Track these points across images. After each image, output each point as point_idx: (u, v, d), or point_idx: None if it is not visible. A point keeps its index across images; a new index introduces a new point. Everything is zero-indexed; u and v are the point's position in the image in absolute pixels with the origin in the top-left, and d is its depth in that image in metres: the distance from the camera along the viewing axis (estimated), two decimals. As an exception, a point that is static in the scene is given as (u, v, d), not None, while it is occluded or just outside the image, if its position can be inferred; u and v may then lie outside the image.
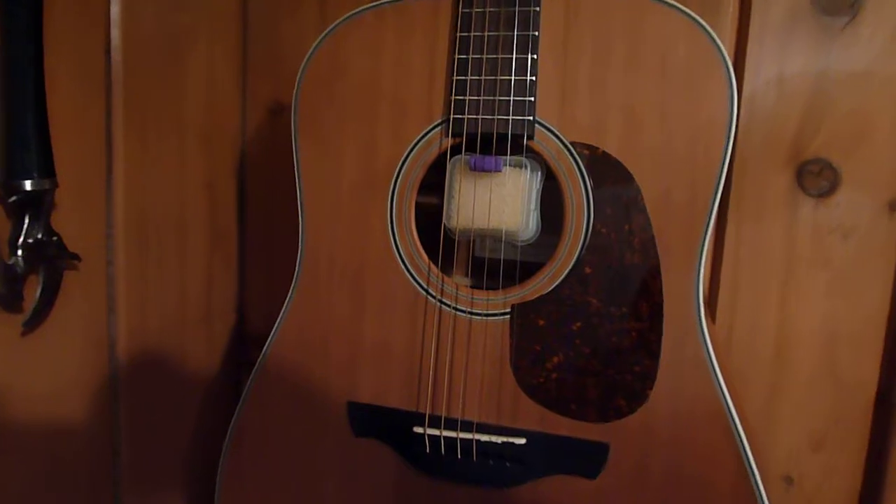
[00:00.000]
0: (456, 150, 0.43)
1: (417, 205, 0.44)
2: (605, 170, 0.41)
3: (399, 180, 0.44)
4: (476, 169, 0.42)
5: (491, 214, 0.43)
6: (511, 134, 0.41)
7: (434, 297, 0.43)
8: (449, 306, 0.43)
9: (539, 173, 0.43)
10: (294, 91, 0.44)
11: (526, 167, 0.42)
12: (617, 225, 0.40)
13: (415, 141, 0.44)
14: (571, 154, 0.41)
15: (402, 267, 0.44)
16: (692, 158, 0.39)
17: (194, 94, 0.52)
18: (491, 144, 0.42)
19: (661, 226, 0.40)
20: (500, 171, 0.42)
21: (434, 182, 0.45)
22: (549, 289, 0.42)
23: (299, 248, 0.45)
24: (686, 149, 0.39)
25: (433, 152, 0.43)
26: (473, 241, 0.46)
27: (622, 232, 0.40)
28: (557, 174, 0.42)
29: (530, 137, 0.41)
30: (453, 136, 0.42)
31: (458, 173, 0.43)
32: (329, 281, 0.45)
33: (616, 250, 0.40)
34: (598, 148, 0.40)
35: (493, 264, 0.44)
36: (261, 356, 0.45)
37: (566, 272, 0.42)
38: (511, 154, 0.42)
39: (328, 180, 0.45)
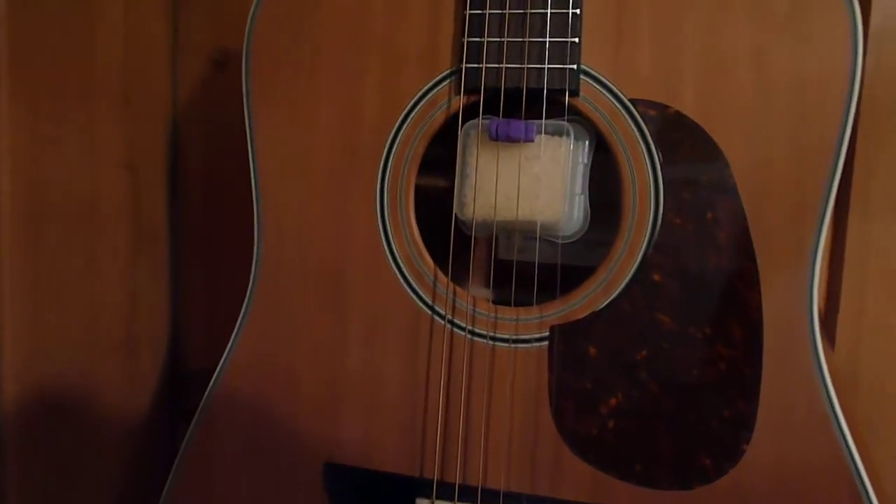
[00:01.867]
0: (471, 112, 0.44)
1: (418, 189, 0.46)
2: (679, 137, 0.41)
3: (392, 156, 0.45)
4: (499, 138, 0.43)
5: (521, 201, 0.44)
6: (547, 89, 0.42)
7: (442, 315, 0.45)
8: (463, 329, 0.44)
9: (586, 143, 0.44)
10: (246, 34, 0.46)
11: (568, 135, 0.43)
12: (697, 214, 0.41)
13: (413, 101, 0.45)
14: (632, 116, 0.42)
15: (398, 274, 0.45)
16: (801, 122, 0.40)
17: (106, 43, 0.52)
18: (519, 104, 0.43)
19: (759, 215, 0.40)
20: (531, 140, 0.43)
21: (441, 157, 0.46)
22: (604, 303, 0.43)
23: (256, 249, 0.47)
24: (792, 109, 0.40)
25: (439, 116, 0.45)
26: (496, 238, 0.47)
27: (704, 223, 0.41)
28: (612, 144, 0.43)
29: (574, 94, 0.43)
30: (466, 93, 0.44)
31: (475, 145, 0.44)
32: (297, 293, 0.46)
33: (696, 249, 0.41)
34: (668, 107, 0.41)
35: (523, 270, 0.45)
36: (204, 397, 0.47)
37: (626, 280, 0.43)
38: (547, 118, 0.43)
39: (294, 157, 0.46)
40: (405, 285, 0.46)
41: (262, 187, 0.47)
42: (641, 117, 0.42)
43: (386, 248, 0.46)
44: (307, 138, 0.46)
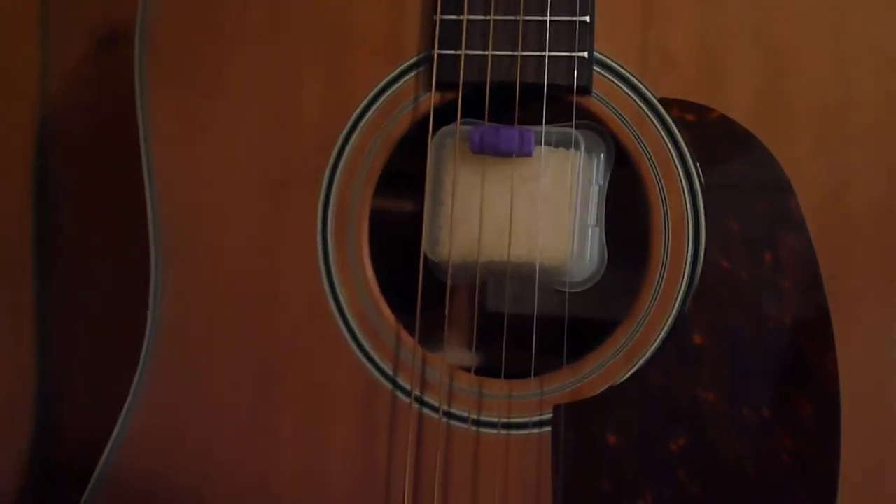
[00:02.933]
0: (446, 115, 0.44)
1: (375, 216, 0.45)
2: (726, 151, 0.41)
3: (340, 172, 0.45)
4: (484, 150, 0.42)
5: (514, 236, 0.43)
6: (549, 85, 0.42)
7: (407, 391, 0.44)
8: (436, 409, 0.44)
9: (601, 158, 0.44)
10: (141, 5, 0.45)
11: (577, 147, 0.43)
12: (751, 254, 0.41)
13: (368, 98, 0.44)
14: (663, 121, 0.42)
15: (346, 334, 0.45)
16: (892, 135, 0.39)
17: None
18: (511, 105, 0.42)
19: (835, 255, 0.40)
20: (528, 153, 0.42)
21: (406, 175, 0.46)
22: (626, 375, 0.42)
23: (153, 295, 0.46)
24: (881, 112, 0.40)
25: (403, 120, 0.44)
26: (481, 284, 0.45)
27: (761, 267, 0.41)
28: (636, 159, 0.42)
29: (585, 91, 0.42)
30: (440, 88, 0.43)
31: (451, 160, 0.44)
32: (211, 354, 0.46)
33: (749, 302, 0.41)
34: (712, 110, 0.41)
35: (518, 328, 0.44)
36: (87, 491, 0.46)
37: (656, 343, 0.42)
38: (550, 123, 0.42)
39: (206, 169, 0.46)
40: (356, 349, 0.45)
41: (161, 210, 0.46)
42: (676, 124, 0.41)
43: (330, 297, 0.45)
44: (223, 145, 0.46)
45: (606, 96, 0.42)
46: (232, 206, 0.46)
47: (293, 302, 0.45)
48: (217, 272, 0.46)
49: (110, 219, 0.61)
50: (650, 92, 0.42)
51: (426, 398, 0.44)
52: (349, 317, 0.45)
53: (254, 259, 0.46)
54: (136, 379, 0.46)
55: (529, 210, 0.43)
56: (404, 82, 0.44)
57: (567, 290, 0.44)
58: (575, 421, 0.43)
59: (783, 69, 0.41)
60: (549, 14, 0.41)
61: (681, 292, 0.42)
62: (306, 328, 0.45)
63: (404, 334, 0.45)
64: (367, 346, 0.45)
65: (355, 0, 0.44)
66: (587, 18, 0.41)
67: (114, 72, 0.59)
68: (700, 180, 0.41)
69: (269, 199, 0.45)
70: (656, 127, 0.42)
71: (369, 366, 0.45)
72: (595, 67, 0.42)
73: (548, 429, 0.43)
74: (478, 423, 0.43)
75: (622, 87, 0.42)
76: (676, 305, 0.42)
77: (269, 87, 0.45)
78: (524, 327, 0.44)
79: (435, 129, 0.44)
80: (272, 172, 0.45)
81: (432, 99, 0.43)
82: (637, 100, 0.42)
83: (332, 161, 0.45)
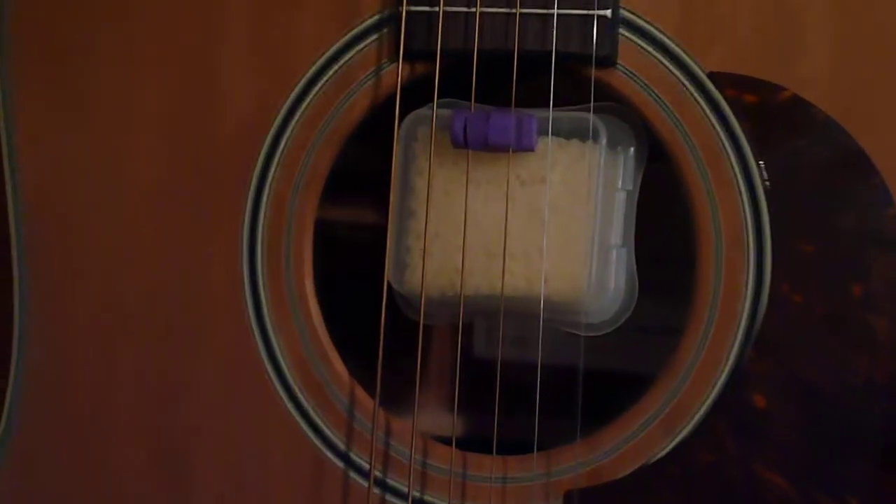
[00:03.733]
0: (418, 94, 0.43)
1: (322, 230, 0.45)
2: (798, 143, 0.41)
3: (274, 170, 0.44)
4: (470, 144, 0.42)
5: (511, 259, 0.42)
6: (559, 53, 0.41)
7: (364, 471, 0.44)
8: (403, 496, 0.44)
9: (630, 154, 0.44)
10: None
11: (597, 138, 0.42)
12: (833, 285, 0.41)
13: (311, 72, 0.44)
14: (713, 104, 0.41)
15: (280, 391, 0.44)
16: None
17: None
18: (506, 82, 0.42)
19: None
20: (529, 148, 0.42)
21: (363, 174, 0.46)
22: (664, 450, 0.42)
23: (16, 336, 0.46)
24: None
25: (359, 101, 0.44)
26: (466, 325, 0.45)
27: (847, 303, 0.40)
28: (677, 155, 0.42)
29: (607, 62, 0.42)
30: (409, 58, 0.43)
31: (425, 154, 0.43)
32: (96, 417, 0.46)
33: (831, 348, 0.41)
34: (779, 89, 0.40)
35: (515, 383, 0.43)
36: None
37: (705, 407, 0.41)
38: (561, 105, 0.42)
39: (92, 167, 0.46)
40: (295, 413, 0.44)
41: (28, 223, 0.46)
42: (731, 107, 0.41)
43: (260, 342, 0.44)
44: (112, 135, 0.45)
45: (636, 70, 0.42)
46: (122, 219, 0.46)
47: (208, 348, 0.45)
48: (103, 305, 0.46)
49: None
50: (696, 64, 0.41)
51: (391, 481, 0.44)
52: (286, 369, 0.45)
53: (155, 288, 0.46)
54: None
55: (531, 225, 0.42)
56: (360, 50, 0.44)
57: (583, 334, 0.44)
58: (593, 513, 0.43)
59: (876, 33, 0.40)
60: (557, -41, 0.42)
61: (738, 337, 0.41)
62: (224, 385, 0.45)
63: (361, 393, 0.44)
64: (310, 409, 0.44)
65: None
66: (610, -36, 0.42)
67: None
68: (764, 184, 0.41)
69: (176, 209, 0.45)
70: (704, 111, 0.41)
71: (313, 436, 0.44)
72: (621, 30, 0.42)
73: (558, 525, 0.43)
74: (463, 516, 0.44)
75: (658, 57, 0.42)
76: (732, 355, 0.41)
77: (174, 58, 0.45)
78: (524, 383, 0.43)
79: (403, 115, 0.43)
80: (179, 173, 0.45)
81: (399, 73, 0.43)
82: (679, 74, 0.41)
83: (262, 158, 0.44)
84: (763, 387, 0.41)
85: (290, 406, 0.44)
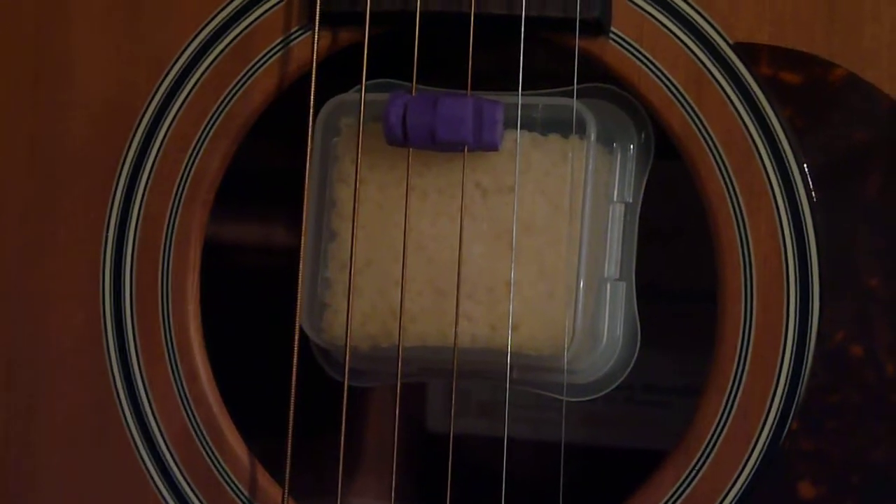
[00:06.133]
0: (341, 73, 0.41)
1: (213, 255, 0.43)
2: (854, 138, 0.38)
3: (146, 178, 0.41)
4: (411, 139, 0.38)
5: (467, 298, 0.39)
6: (529, 17, 0.39)
7: None
8: None
9: (630, 153, 0.41)
10: None
11: (584, 132, 0.39)
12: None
13: (196, 43, 0.41)
14: (740, 85, 0.38)
15: (153, 475, 0.41)
16: None
17: None
18: (459, 57, 0.39)
19: None
20: (492, 144, 0.38)
21: (268, 181, 0.46)
22: None
23: None
24: None
25: (260, 81, 0.41)
26: (411, 386, 0.43)
27: None
28: (692, 154, 0.39)
29: (596, 29, 0.39)
30: (328, 22, 0.40)
31: (350, 153, 0.40)
32: None
33: None
34: (830, 66, 0.38)
35: (473, 465, 0.40)
36: None
37: (733, 495, 0.38)
38: (530, 88, 0.39)
39: None
40: (172, 502, 0.42)
41: None
42: (765, 89, 0.38)
43: (126, 406, 0.41)
44: None
45: (636, 40, 0.39)
46: None
47: (56, 412, 0.42)
48: None
49: None
50: (718, 32, 0.38)
51: None
52: (161, 446, 0.41)
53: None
54: None
55: (496, 250, 0.39)
56: (262, 14, 0.41)
57: (566, 398, 0.40)
58: None
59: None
60: None
61: (776, 403, 0.38)
62: (77, 461, 0.42)
63: (265, 479, 0.41)
64: (192, 497, 0.41)
65: None
66: None
67: None
68: (811, 195, 0.37)
69: (17, 232, 0.43)
70: (728, 96, 0.38)
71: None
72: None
73: None
74: None
75: (666, 22, 0.38)
76: (768, 427, 0.38)
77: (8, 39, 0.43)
78: (488, 466, 0.40)
79: (321, 102, 0.40)
80: (20, 186, 0.43)
81: (315, 43, 0.39)
82: (694, 46, 0.38)
83: (129, 162, 0.42)
84: (811, 471, 0.38)
85: (165, 494, 0.41)
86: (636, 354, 0.41)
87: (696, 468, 0.38)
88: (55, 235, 0.43)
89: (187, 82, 0.41)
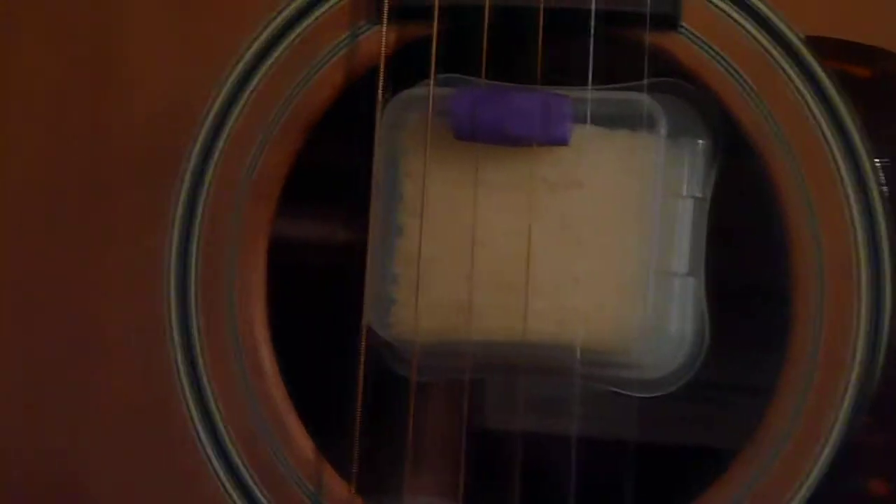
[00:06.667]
0: (408, 68, 0.41)
1: (279, 253, 0.43)
2: None
3: (210, 177, 0.41)
4: (479, 134, 0.39)
5: (536, 294, 0.39)
6: (600, 11, 0.39)
7: None
8: None
9: (699, 148, 0.41)
10: None
11: (654, 127, 0.39)
12: None
13: (260, 41, 0.41)
14: (812, 79, 0.38)
15: (220, 475, 0.41)
16: None
17: None
18: (527, 51, 0.39)
19: None
20: (561, 139, 0.38)
21: (333, 178, 0.45)
22: None
23: None
24: None
25: (325, 79, 0.41)
26: (473, 384, 0.41)
27: None
28: (763, 151, 0.39)
29: (666, 23, 0.39)
30: (396, 16, 0.40)
31: (417, 149, 0.40)
32: None
33: None
34: None
35: (540, 463, 0.40)
36: None
37: (804, 495, 0.38)
38: (599, 83, 0.39)
39: None
40: (239, 501, 0.41)
41: None
42: (833, 81, 0.38)
43: (193, 407, 0.41)
44: None
45: (706, 34, 0.39)
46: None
47: (121, 415, 0.42)
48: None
49: None
50: (788, 26, 0.38)
51: None
52: (228, 444, 0.41)
53: (35, 336, 0.43)
54: None
55: (563, 246, 0.39)
56: (329, 9, 0.41)
57: (635, 394, 0.40)
58: None
59: None
60: None
61: (848, 399, 0.38)
62: (142, 461, 0.43)
63: (332, 476, 0.41)
64: (259, 496, 0.41)
65: None
66: None
67: None
68: (881, 189, 0.38)
69: (72, 230, 0.43)
70: (799, 90, 0.38)
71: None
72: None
73: None
74: None
75: (736, 16, 0.38)
76: (839, 424, 0.38)
77: (62, 32, 0.43)
78: (554, 463, 0.40)
79: (388, 97, 0.40)
80: (76, 186, 0.43)
81: (383, 38, 0.40)
82: (764, 39, 0.38)
83: (194, 160, 0.42)
84: (883, 468, 0.38)
85: (232, 492, 0.41)
86: (705, 350, 0.41)
87: (767, 466, 0.38)
88: (117, 232, 0.43)
89: (252, 79, 0.41)
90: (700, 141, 0.40)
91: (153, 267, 0.42)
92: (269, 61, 0.41)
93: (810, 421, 0.38)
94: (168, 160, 0.42)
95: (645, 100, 0.39)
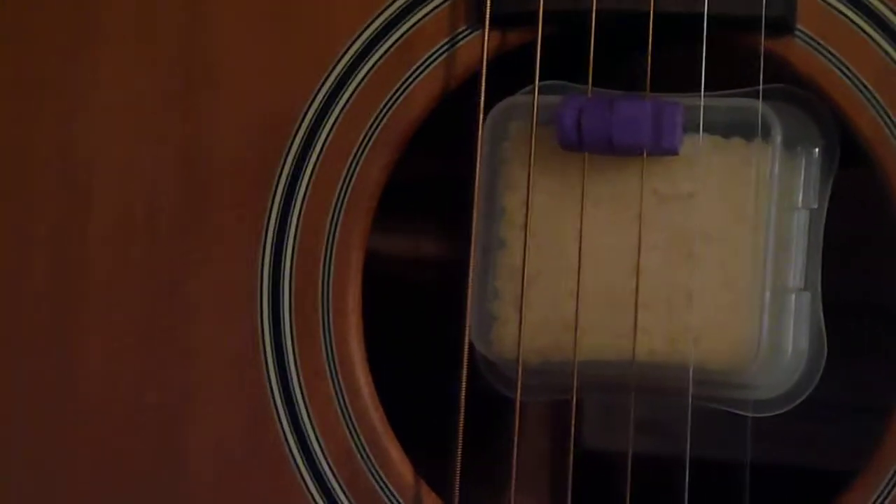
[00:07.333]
0: (510, 74, 0.40)
1: (374, 268, 0.43)
2: None
3: (303, 188, 0.42)
4: (586, 143, 0.38)
5: (645, 310, 0.38)
6: (712, 16, 0.38)
7: None
8: None
9: (815, 157, 0.40)
10: None
11: (769, 136, 0.38)
12: None
13: (356, 47, 0.41)
14: None
15: (313, 494, 0.41)
16: None
17: None
18: (636, 58, 0.39)
19: None
20: (672, 148, 0.38)
21: (432, 189, 0.47)
22: None
23: None
24: None
25: (424, 85, 0.41)
26: (580, 404, 0.43)
27: None
28: (883, 160, 0.38)
29: (782, 27, 0.38)
30: (498, 22, 0.40)
31: (521, 159, 0.40)
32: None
33: None
34: None
35: (652, 486, 0.39)
36: None
37: None
38: (711, 90, 0.39)
39: (42, 169, 0.44)
40: None
41: None
42: None
43: (286, 423, 0.41)
44: (75, 138, 0.43)
45: (824, 38, 0.38)
46: (82, 258, 0.43)
47: (210, 433, 0.42)
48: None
49: None
50: None
51: None
52: (321, 461, 0.41)
53: (129, 366, 0.43)
54: None
55: (674, 260, 0.38)
56: (427, 15, 0.40)
57: (750, 414, 0.39)
58: None
59: None
60: None
61: None
62: (234, 481, 0.42)
63: (431, 497, 0.41)
64: None
65: None
66: None
67: None
68: None
69: (165, 241, 0.43)
70: None
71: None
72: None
73: None
74: None
75: (855, 19, 0.38)
76: None
77: (152, 38, 0.43)
78: (664, 485, 0.39)
79: (490, 105, 0.40)
80: (168, 193, 0.43)
81: (485, 44, 0.39)
82: (885, 43, 0.37)
83: (287, 171, 0.42)
84: None
85: None
86: (821, 369, 0.40)
87: (887, 489, 0.37)
88: (208, 249, 0.43)
89: (346, 88, 0.41)
90: (816, 149, 0.40)
91: (248, 284, 0.42)
92: (364, 70, 0.41)
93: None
94: (261, 174, 0.42)
95: (759, 107, 0.38)
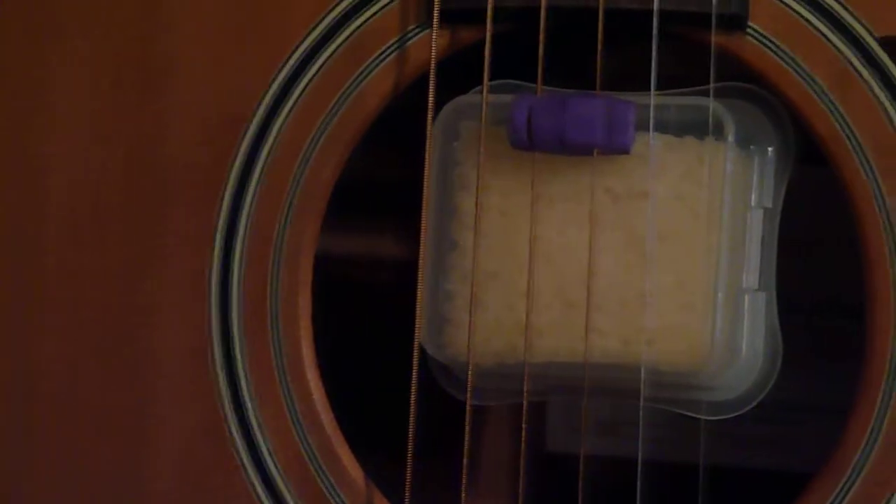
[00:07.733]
0: (460, 73, 0.40)
1: (324, 268, 0.43)
2: None
3: (254, 189, 0.41)
4: (537, 143, 0.38)
5: (598, 311, 0.38)
6: (663, 11, 0.38)
7: None
8: None
9: (769, 156, 0.40)
10: None
11: (721, 134, 0.38)
12: None
13: (306, 44, 0.41)
14: (888, 81, 0.38)
15: (263, 501, 0.41)
16: None
17: None
18: (587, 53, 0.38)
19: None
20: (624, 147, 0.38)
21: (383, 190, 0.46)
22: None
23: None
24: None
25: (374, 83, 0.41)
26: (534, 405, 0.41)
27: None
28: (839, 160, 0.38)
29: (733, 24, 0.38)
30: (448, 19, 0.40)
31: (471, 158, 0.40)
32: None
33: None
34: None
35: (604, 487, 0.39)
36: None
37: None
38: (663, 88, 0.39)
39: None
40: None
41: None
42: None
43: (235, 430, 0.41)
44: (28, 136, 0.43)
45: (776, 35, 0.38)
46: (39, 266, 0.43)
47: (160, 441, 0.42)
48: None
49: None
50: (863, 25, 0.37)
51: None
52: (272, 468, 0.41)
53: (89, 368, 0.42)
54: None
55: (628, 260, 0.38)
56: (377, 13, 0.40)
57: (704, 417, 0.39)
58: None
59: None
60: None
61: None
62: (182, 488, 0.42)
63: (381, 503, 0.41)
64: None
65: None
66: None
67: None
68: None
69: (113, 243, 0.42)
70: (876, 94, 0.37)
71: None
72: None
73: None
74: None
75: (807, 15, 0.38)
76: None
77: (105, 33, 0.42)
78: (618, 488, 0.39)
79: (440, 104, 0.39)
80: (118, 195, 0.42)
81: (433, 42, 0.39)
82: (837, 41, 0.37)
83: (236, 171, 0.41)
84: None
85: None
86: (777, 371, 0.40)
87: (845, 490, 0.37)
88: (159, 250, 0.42)
89: (296, 87, 0.40)
90: (770, 148, 0.39)
91: (197, 285, 0.42)
92: (315, 67, 0.40)
93: (890, 441, 0.36)
94: (212, 173, 0.42)
95: (712, 105, 0.38)
